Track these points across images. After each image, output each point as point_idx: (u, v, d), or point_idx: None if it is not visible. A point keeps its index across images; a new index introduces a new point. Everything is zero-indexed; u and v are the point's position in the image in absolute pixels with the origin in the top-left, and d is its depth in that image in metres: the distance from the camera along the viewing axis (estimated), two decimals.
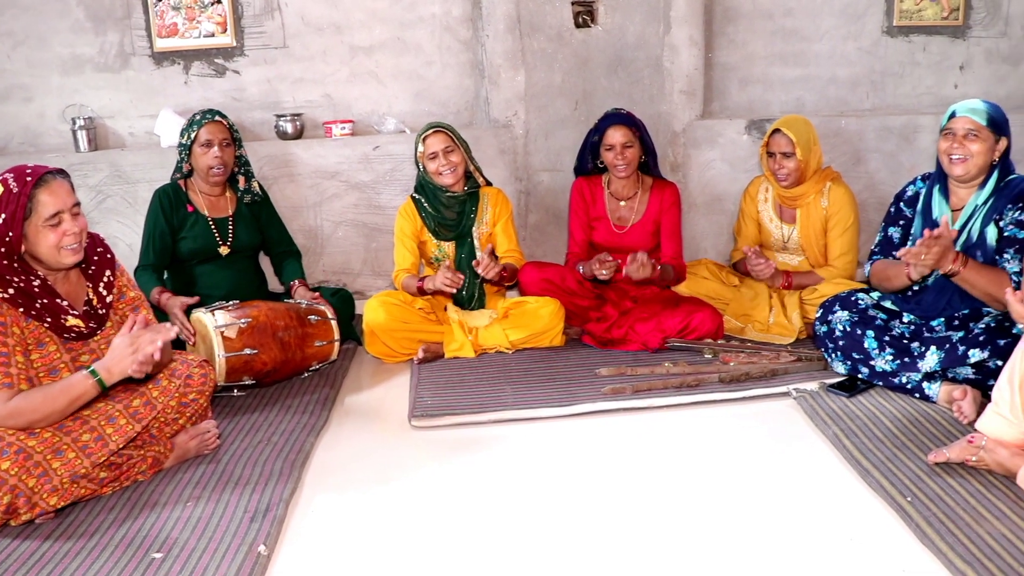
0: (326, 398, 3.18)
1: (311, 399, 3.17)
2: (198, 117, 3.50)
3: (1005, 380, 2.45)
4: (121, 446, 2.42)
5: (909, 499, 2.29)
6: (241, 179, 3.65)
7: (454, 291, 3.46)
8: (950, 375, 2.96)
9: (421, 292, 3.58)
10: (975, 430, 2.50)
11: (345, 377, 3.45)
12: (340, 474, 2.64)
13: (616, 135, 3.64)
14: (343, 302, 3.74)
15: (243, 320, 3.15)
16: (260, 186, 3.75)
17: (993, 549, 2.04)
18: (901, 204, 3.24)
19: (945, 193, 3.09)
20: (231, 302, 3.29)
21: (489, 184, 3.77)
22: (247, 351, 3.12)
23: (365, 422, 3.06)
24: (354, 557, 2.17)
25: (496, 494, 2.48)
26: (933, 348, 2.94)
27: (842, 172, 4.23)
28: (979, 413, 2.56)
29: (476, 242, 3.67)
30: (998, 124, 2.92)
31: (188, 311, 3.28)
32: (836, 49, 4.57)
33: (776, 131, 3.66)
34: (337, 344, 3.44)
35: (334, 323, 3.42)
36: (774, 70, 4.54)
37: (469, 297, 3.72)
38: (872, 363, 3.07)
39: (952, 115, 2.98)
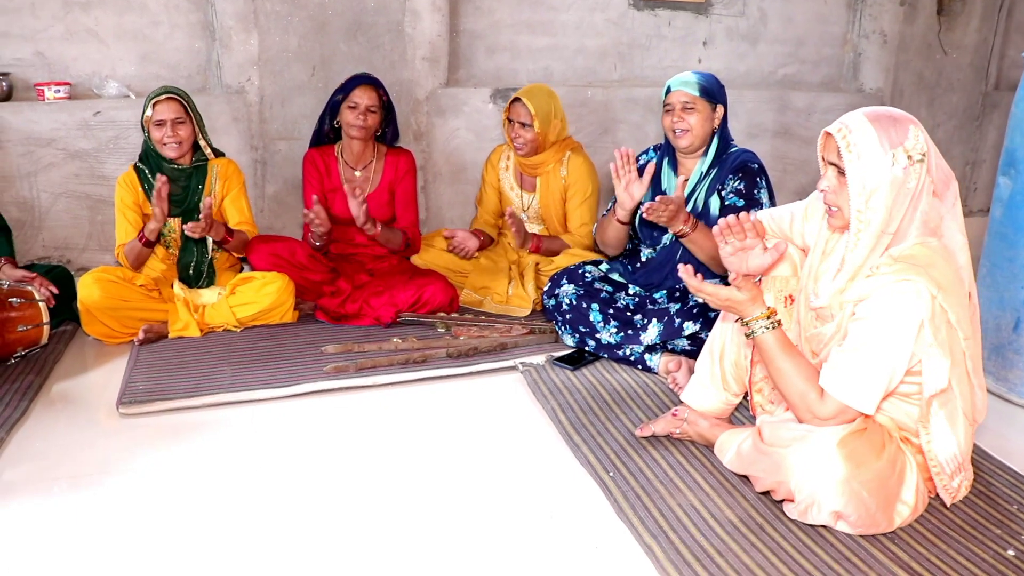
0: (28, 387, 2.91)
1: (10, 389, 2.88)
2: None
3: (706, 351, 2.55)
4: None
5: (611, 474, 2.35)
6: None
7: (201, 234, 3.28)
8: (670, 347, 3.07)
9: (148, 245, 3.36)
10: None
11: (58, 362, 3.18)
12: (32, 474, 2.39)
13: (363, 96, 3.53)
14: (60, 280, 3.45)
15: None
16: None
17: (680, 520, 2.12)
18: None
19: (674, 165, 3.19)
20: None
21: (220, 155, 3.57)
22: None
23: (72, 412, 2.81)
24: (40, 570, 1.98)
25: (209, 483, 2.35)
26: (654, 320, 3.05)
27: (589, 142, 4.32)
28: None
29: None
30: (711, 93, 3.03)
31: None
32: (584, 20, 4.62)
33: (517, 100, 3.65)
34: (47, 328, 3.16)
35: (43, 305, 3.15)
36: (522, 38, 4.54)
37: (197, 275, 3.53)
38: (598, 336, 3.15)
39: (668, 90, 3.07)
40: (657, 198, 2.84)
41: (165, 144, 3.35)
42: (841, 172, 2.04)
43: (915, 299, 1.94)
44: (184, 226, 3.27)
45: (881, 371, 1.97)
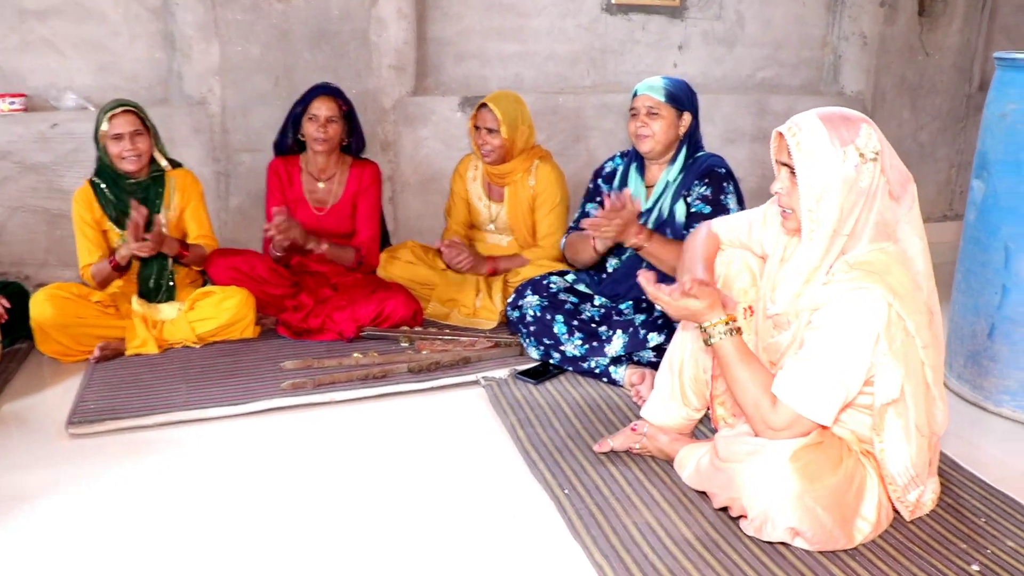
0: None
1: None
2: None
3: (665, 366, 2.47)
4: None
5: (566, 491, 2.27)
6: None
7: (149, 253, 3.24)
8: (635, 358, 2.99)
9: (118, 269, 3.30)
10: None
11: (10, 381, 3.10)
12: None
13: (321, 107, 3.45)
14: (15, 296, 3.36)
15: None
16: None
17: (634, 539, 2.05)
18: (599, 180, 3.27)
19: (641, 171, 3.13)
20: None
21: (177, 166, 3.49)
22: None
23: (23, 432, 2.73)
24: None
25: (155, 504, 2.28)
26: (619, 332, 2.98)
27: (561, 150, 4.24)
28: None
29: (164, 229, 3.39)
30: (678, 99, 2.96)
31: None
32: (555, 25, 4.54)
33: (483, 105, 3.57)
34: None
35: None
36: (491, 45, 4.45)
37: (158, 288, 3.45)
38: (562, 348, 3.07)
39: (635, 94, 3.00)
40: (599, 212, 2.78)
41: (124, 158, 3.28)
42: (793, 172, 1.97)
43: (871, 307, 1.87)
44: (132, 246, 3.20)
45: (835, 381, 1.89)
